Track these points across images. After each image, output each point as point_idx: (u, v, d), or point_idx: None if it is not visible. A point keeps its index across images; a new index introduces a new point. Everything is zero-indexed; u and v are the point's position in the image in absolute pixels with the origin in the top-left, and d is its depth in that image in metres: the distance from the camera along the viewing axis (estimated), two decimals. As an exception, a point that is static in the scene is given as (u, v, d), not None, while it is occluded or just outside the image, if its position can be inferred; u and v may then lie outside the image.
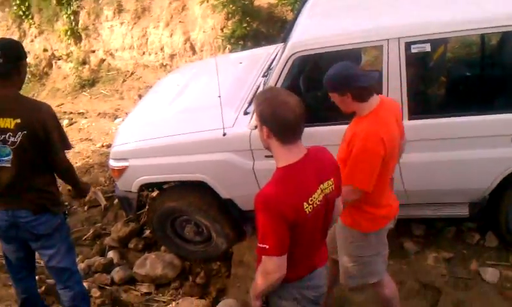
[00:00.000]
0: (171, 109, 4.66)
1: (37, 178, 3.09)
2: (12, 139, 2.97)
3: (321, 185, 2.29)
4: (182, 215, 4.41)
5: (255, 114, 2.31)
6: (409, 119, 3.64)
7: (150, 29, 8.43)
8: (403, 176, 3.77)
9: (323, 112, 4.15)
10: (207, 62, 5.77)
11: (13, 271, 3.45)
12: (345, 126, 3.83)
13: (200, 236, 4.50)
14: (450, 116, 3.66)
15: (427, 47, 3.56)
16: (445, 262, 4.03)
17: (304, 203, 2.20)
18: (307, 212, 2.20)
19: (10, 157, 3.00)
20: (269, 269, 2.22)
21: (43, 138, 3.00)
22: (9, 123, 2.96)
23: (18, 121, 2.96)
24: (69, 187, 3.70)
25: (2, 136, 2.97)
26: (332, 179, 2.36)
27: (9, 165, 3.01)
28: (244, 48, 6.92)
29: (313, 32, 3.96)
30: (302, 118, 2.20)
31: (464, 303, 3.68)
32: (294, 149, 2.24)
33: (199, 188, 4.22)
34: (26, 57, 3.16)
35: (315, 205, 2.23)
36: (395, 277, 3.91)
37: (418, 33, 3.53)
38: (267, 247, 2.17)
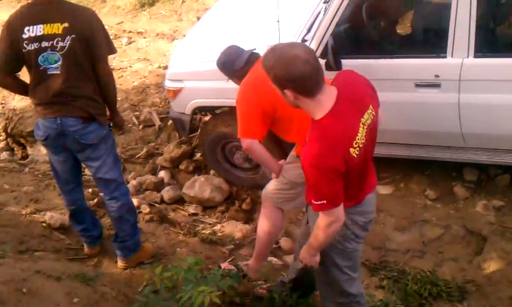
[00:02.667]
0: (228, 32, 4.57)
1: (85, 85, 3.09)
2: (61, 44, 2.96)
3: (362, 119, 2.19)
4: (233, 141, 4.41)
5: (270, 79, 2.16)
6: (475, 56, 3.44)
7: (213, -51, 8.20)
8: (461, 117, 3.60)
9: (384, 45, 4.00)
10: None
11: (61, 183, 3.51)
12: (407, 61, 3.75)
13: (249, 164, 4.51)
14: (512, 57, 3.43)
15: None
16: (494, 210, 3.92)
17: (351, 149, 2.12)
18: (355, 155, 2.13)
19: (59, 63, 3.00)
20: (331, 221, 2.20)
21: (91, 40, 3.00)
22: (57, 28, 2.95)
23: (66, 25, 2.94)
24: None
25: (50, 42, 2.96)
26: (370, 105, 2.26)
27: (58, 72, 3.02)
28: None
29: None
30: (317, 64, 2.08)
31: (509, 254, 3.58)
32: (323, 98, 2.12)
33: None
34: None
35: (360, 145, 2.16)
36: (441, 221, 3.87)
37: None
38: (325, 202, 2.14)
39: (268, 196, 3.32)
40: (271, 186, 3.28)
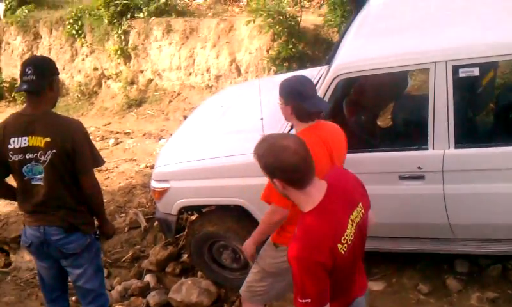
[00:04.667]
0: (213, 131, 4.63)
1: (68, 197, 3.10)
2: (43, 157, 2.99)
3: (351, 216, 2.17)
4: (220, 241, 4.34)
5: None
6: (455, 147, 3.46)
7: (197, 50, 8.50)
8: (448, 208, 3.58)
9: (366, 138, 4.04)
10: (251, 84, 5.74)
11: (46, 291, 3.46)
12: (389, 154, 3.77)
13: (237, 263, 4.40)
14: (496, 146, 3.47)
15: (476, 71, 3.38)
16: (489, 303, 3.79)
17: (338, 245, 2.07)
18: (342, 252, 2.08)
19: (43, 174, 3.03)
20: None
21: (72, 155, 3.01)
22: (39, 141, 2.99)
23: (48, 139, 2.98)
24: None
25: (34, 154, 3.00)
26: (360, 203, 2.24)
27: (41, 183, 3.04)
28: (289, 70, 6.86)
29: (358, 54, 3.84)
30: (308, 156, 2.10)
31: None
32: (313, 191, 2.12)
33: (237, 213, 4.14)
34: (58, 74, 3.18)
35: (349, 242, 2.11)
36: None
37: (466, 56, 3.37)
38: (310, 301, 2.06)
39: (242, 291, 3.29)
40: (245, 280, 3.27)
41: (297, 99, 2.93)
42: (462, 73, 3.40)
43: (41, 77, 3.01)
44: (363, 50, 3.85)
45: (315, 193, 2.13)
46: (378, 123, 5.03)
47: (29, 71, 3.00)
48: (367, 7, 4.61)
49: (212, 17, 8.82)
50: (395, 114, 4.64)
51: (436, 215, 3.66)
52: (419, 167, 3.57)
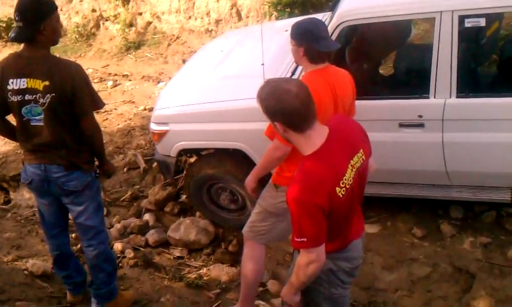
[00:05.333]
0: (214, 75, 4.61)
1: (69, 137, 3.09)
2: (42, 100, 2.96)
3: (351, 161, 2.21)
4: (218, 183, 4.40)
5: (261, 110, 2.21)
6: (457, 96, 3.50)
7: (197, -7, 8.35)
8: (445, 155, 3.64)
9: (368, 86, 4.05)
10: (252, 29, 5.68)
11: (47, 227, 3.47)
12: (389, 101, 3.79)
13: (235, 205, 4.48)
14: (498, 97, 3.51)
15: (482, 22, 3.38)
16: (481, 247, 3.91)
17: (337, 188, 2.13)
18: (340, 195, 2.13)
19: (42, 116, 3.00)
20: (310, 260, 2.18)
21: (71, 98, 2.98)
22: (38, 84, 2.95)
23: (47, 83, 2.94)
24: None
25: (33, 96, 2.96)
26: (361, 149, 2.28)
27: (41, 123, 3.02)
28: (290, 15, 6.76)
29: (363, 1, 3.81)
30: (309, 101, 2.13)
31: (498, 291, 3.56)
32: (313, 135, 2.16)
33: (236, 156, 4.18)
34: (53, 13, 2.99)
35: (347, 186, 2.17)
36: (429, 259, 3.86)
37: (473, 6, 3.36)
38: (305, 240, 2.13)
39: (245, 231, 3.35)
40: (248, 221, 3.34)
41: (310, 39, 2.93)
42: (468, 23, 3.40)
43: (28, 23, 2.91)
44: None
45: (316, 137, 2.17)
46: (381, 71, 5.04)
47: (17, 18, 2.93)
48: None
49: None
50: (397, 62, 4.64)
51: (434, 162, 3.73)
52: (419, 115, 3.61)
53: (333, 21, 3.68)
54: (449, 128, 3.58)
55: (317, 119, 2.18)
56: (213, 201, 4.55)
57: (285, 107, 2.11)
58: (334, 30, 3.63)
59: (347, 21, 3.62)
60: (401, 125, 3.70)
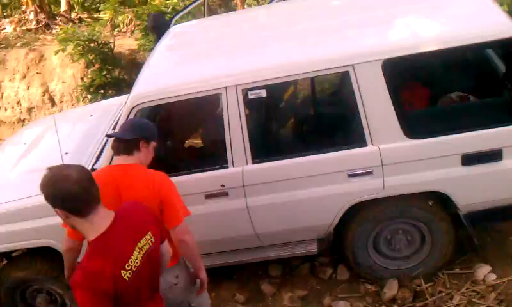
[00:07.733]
0: (16, 170, 4.38)
1: None
2: None
3: (139, 244, 2.23)
4: (32, 285, 4.12)
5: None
6: (253, 163, 3.69)
7: (6, 83, 7.99)
8: (252, 219, 3.80)
9: (173, 163, 4.12)
10: (49, 119, 5.50)
11: None
12: (194, 175, 3.88)
13: (54, 306, 4.22)
14: (293, 157, 3.75)
15: (263, 93, 3.63)
16: (299, 300, 4.08)
17: (122, 271, 2.12)
18: (126, 279, 2.12)
19: None
20: None
21: None
22: None
23: None
24: None
25: None
26: (150, 231, 2.31)
27: None
28: (104, 97, 6.75)
29: (154, 82, 3.90)
30: (91, 185, 2.14)
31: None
32: (96, 219, 2.16)
33: (48, 254, 3.95)
34: None
35: (134, 268, 2.16)
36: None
37: (253, 80, 3.61)
38: None
39: None
40: None
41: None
42: (251, 95, 3.65)
43: None
44: (159, 79, 3.94)
45: (100, 221, 2.16)
46: (194, 145, 5.16)
47: None
48: (167, 34, 4.72)
49: (21, 47, 8.36)
50: (203, 135, 4.81)
51: (244, 226, 3.86)
52: (222, 185, 3.74)
53: (127, 104, 3.71)
54: (251, 193, 3.74)
55: (102, 204, 2.18)
56: (30, 306, 4.23)
57: (64, 193, 2.09)
58: (129, 113, 3.66)
59: (140, 104, 3.68)
60: (207, 197, 3.79)
